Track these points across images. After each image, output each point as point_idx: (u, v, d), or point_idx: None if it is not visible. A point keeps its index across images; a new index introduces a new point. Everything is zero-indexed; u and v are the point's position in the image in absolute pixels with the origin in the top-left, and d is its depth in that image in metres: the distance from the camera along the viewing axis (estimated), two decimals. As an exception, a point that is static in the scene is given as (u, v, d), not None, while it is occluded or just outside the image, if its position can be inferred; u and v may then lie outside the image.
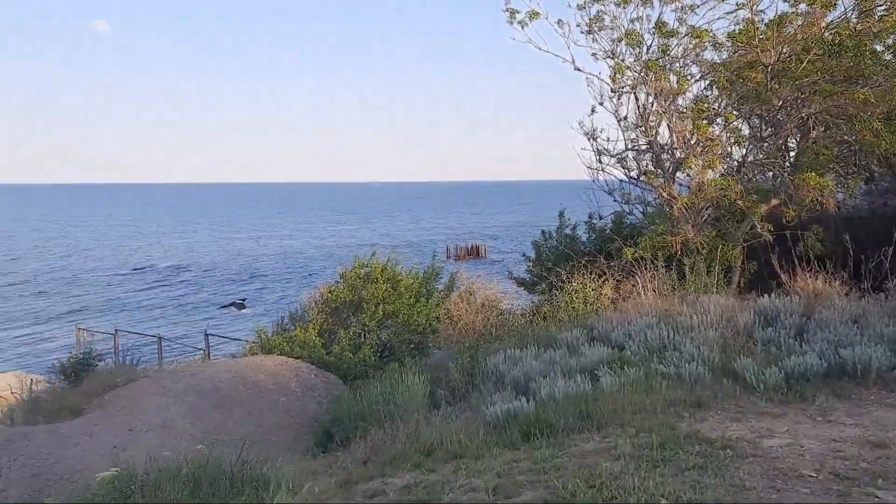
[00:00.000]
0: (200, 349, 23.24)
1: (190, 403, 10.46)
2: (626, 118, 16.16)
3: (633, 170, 16.82)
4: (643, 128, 15.88)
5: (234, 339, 23.90)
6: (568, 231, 18.88)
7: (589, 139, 17.01)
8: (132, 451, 8.58)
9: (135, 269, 60.59)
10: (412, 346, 16.06)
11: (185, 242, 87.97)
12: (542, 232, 19.17)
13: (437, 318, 14.73)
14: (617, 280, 12.39)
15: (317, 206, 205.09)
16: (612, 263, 13.95)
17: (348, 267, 17.95)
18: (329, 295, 17.16)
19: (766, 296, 9.80)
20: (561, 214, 19.00)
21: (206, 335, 23.08)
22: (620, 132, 16.50)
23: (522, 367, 8.75)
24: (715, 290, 11.55)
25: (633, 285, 11.41)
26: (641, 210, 17.14)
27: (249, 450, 10.05)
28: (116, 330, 23.48)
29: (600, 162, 17.08)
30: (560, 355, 8.91)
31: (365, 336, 16.04)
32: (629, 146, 16.66)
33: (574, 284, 11.97)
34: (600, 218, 18.40)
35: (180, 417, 9.96)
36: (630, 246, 14.30)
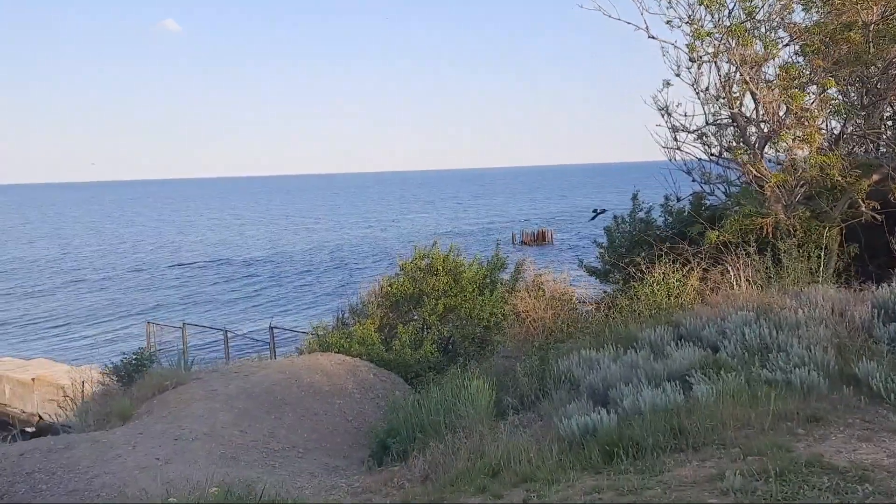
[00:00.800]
0: (267, 342, 22.92)
1: (240, 409, 9.81)
2: (706, 90, 14.75)
3: (713, 146, 15.41)
4: (725, 100, 14.45)
5: (301, 332, 23.50)
6: (642, 215, 17.58)
7: (663, 115, 15.65)
8: (176, 465, 7.96)
9: (210, 261, 61.63)
10: (475, 341, 15.15)
11: (268, 234, 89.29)
12: (614, 217, 17.91)
13: (502, 314, 13.70)
14: (703, 268, 11.12)
15: (396, 193, 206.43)
16: (694, 249, 12.67)
17: (408, 258, 17.15)
18: (388, 288, 16.40)
19: (886, 285, 8.43)
20: (634, 197, 17.69)
21: (271, 328, 22.72)
22: (699, 106, 15.09)
23: (600, 372, 7.70)
24: (820, 278, 10.18)
25: (723, 273, 10.16)
26: (724, 190, 15.73)
27: (301, 459, 9.37)
28: (184, 324, 23.36)
29: (676, 140, 15.71)
30: (643, 357, 7.82)
31: (426, 331, 15.20)
32: (709, 120, 15.24)
33: (655, 274, 10.77)
34: (678, 200, 17.03)
35: (229, 424, 9.31)
36: (714, 229, 12.98)
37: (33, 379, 21.09)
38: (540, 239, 65.69)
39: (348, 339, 14.19)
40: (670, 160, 15.73)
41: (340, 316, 17.64)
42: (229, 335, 23.46)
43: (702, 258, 11.76)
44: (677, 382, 6.93)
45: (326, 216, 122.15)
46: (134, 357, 12.16)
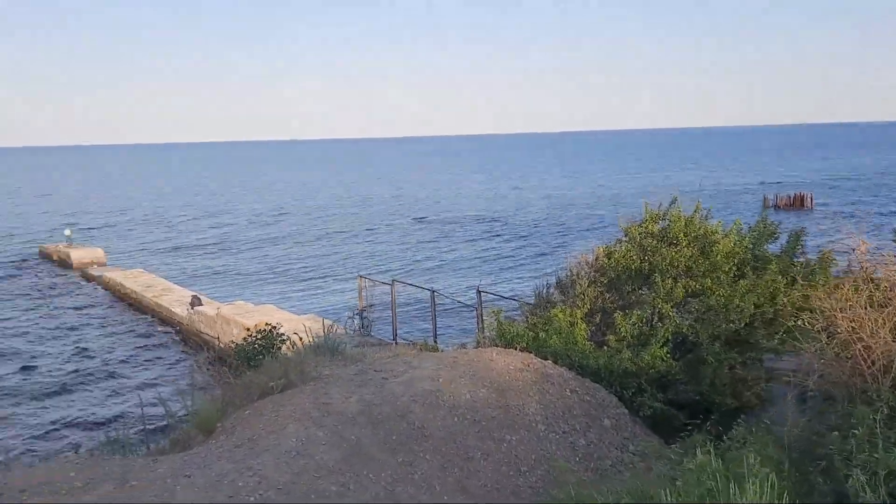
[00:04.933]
0: (473, 306, 19.80)
1: (352, 442, 6.34)
2: None
3: None
4: None
5: (509, 299, 20.04)
6: None
7: None
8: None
9: (416, 219, 60.78)
10: (728, 345, 10.46)
11: (487, 192, 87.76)
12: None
13: (793, 310, 8.68)
14: None
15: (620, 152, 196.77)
16: None
17: (635, 220, 12.73)
18: (605, 260, 12.16)
19: None
20: None
21: (479, 292, 19.43)
22: None
23: None
24: None
25: None
26: None
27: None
28: (393, 280, 21.07)
29: None
30: None
31: (655, 324, 10.81)
32: None
33: None
34: None
35: (327, 471, 5.86)
36: None
37: (256, 325, 21.05)
38: (797, 203, 56.09)
39: (544, 328, 10.25)
40: None
41: (543, 291, 13.72)
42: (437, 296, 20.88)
43: None
44: None
45: (541, 174, 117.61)
46: (260, 338, 9.25)
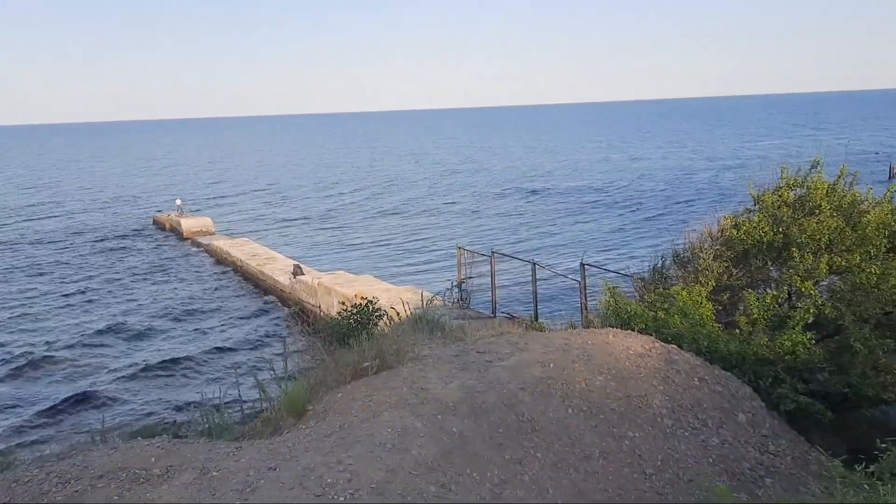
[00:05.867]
0: (576, 280, 18.79)
1: (453, 435, 5.64)
2: None
3: None
4: None
5: (616, 273, 18.89)
6: None
7: None
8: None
9: (520, 190, 59.53)
10: (881, 331, 9.07)
11: (584, 161, 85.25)
12: None
13: None
14: None
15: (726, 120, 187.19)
16: None
17: (768, 187, 11.37)
18: (733, 231, 10.90)
19: None
20: None
21: (583, 266, 18.37)
22: None
23: None
24: None
25: None
26: None
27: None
28: (493, 252, 20.39)
29: None
30: None
31: (793, 304, 9.54)
32: None
33: None
34: None
35: (425, 468, 5.19)
36: None
37: (356, 295, 21.16)
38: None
39: (664, 308, 9.22)
40: None
41: (659, 266, 12.57)
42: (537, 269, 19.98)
43: None
44: None
45: (643, 142, 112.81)
46: (355, 313, 8.68)
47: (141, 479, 5.02)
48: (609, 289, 9.87)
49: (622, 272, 17.82)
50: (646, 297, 10.52)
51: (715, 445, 6.42)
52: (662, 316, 8.94)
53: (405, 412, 5.87)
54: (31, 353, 20.00)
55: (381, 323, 9.08)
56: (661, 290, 10.28)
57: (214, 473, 5.03)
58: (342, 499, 4.69)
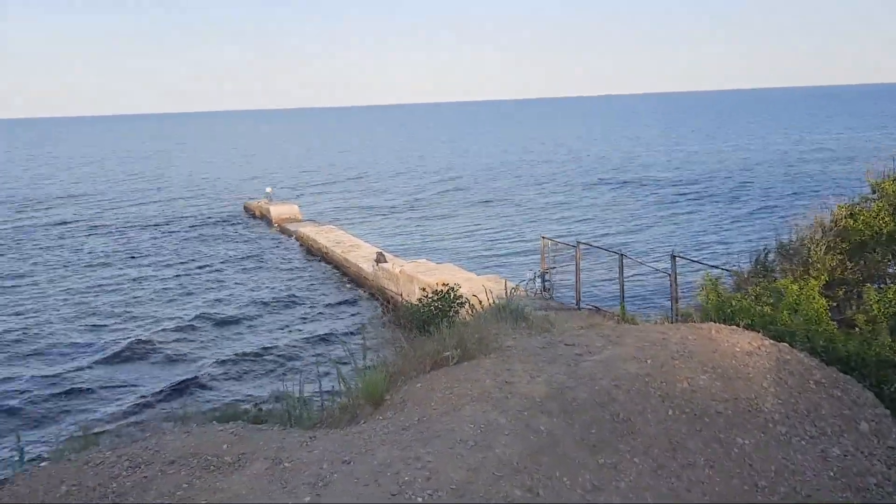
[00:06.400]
0: (666, 272, 17.90)
1: (541, 434, 5.18)
2: None
3: None
4: None
5: (710, 266, 17.88)
6: None
7: None
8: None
9: (604, 181, 57.87)
10: None
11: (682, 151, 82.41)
12: None
13: None
14: None
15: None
16: None
17: (887, 174, 10.35)
18: (848, 221, 9.96)
19: None
20: None
21: (673, 257, 17.46)
22: None
23: None
24: None
25: None
26: None
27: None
28: (578, 242, 19.75)
29: None
30: None
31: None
32: None
33: None
34: None
35: (510, 469, 4.75)
36: None
37: (437, 283, 21.22)
38: None
39: (770, 303, 8.44)
40: None
41: (760, 257, 11.69)
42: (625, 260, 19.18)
43: None
44: None
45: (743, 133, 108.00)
46: (436, 299, 8.32)
47: (212, 467, 4.79)
48: (710, 280, 9.14)
49: (718, 266, 16.83)
50: (749, 290, 9.72)
51: (836, 457, 5.72)
52: (770, 311, 8.18)
53: (488, 407, 5.44)
54: (127, 338, 20.70)
55: (462, 311, 8.69)
56: (767, 283, 9.47)
57: (287, 464, 4.75)
58: (420, 499, 4.32)
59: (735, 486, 5.12)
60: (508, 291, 12.98)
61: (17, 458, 7.19)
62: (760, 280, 10.07)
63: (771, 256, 11.57)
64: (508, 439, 5.03)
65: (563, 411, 5.43)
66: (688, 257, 20.22)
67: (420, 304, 8.51)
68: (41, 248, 35.73)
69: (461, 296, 8.76)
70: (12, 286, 27.66)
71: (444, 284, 9.02)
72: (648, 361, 6.28)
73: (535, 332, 7.96)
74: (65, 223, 43.88)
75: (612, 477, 4.93)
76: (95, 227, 42.30)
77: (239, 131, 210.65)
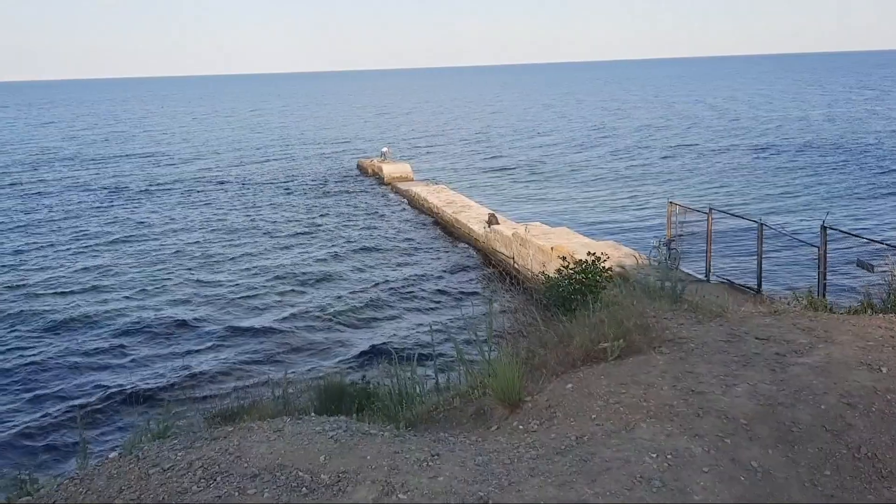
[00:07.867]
0: (814, 245, 15.61)
1: (752, 472, 3.68)
2: None
3: None
4: None
5: (871, 241, 15.43)
6: None
7: None
8: None
9: (743, 143, 53.68)
10: None
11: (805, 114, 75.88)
12: None
13: None
14: None
15: None
16: None
17: None
18: None
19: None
20: None
21: (824, 229, 15.10)
22: None
23: None
24: None
25: None
26: None
27: None
28: (710, 208, 17.64)
29: None
30: None
31: None
32: None
33: None
34: None
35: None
36: None
37: (552, 248, 19.95)
38: None
39: None
40: None
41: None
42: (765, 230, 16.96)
43: None
44: None
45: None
46: (578, 271, 6.85)
47: (304, 488, 3.61)
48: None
49: (880, 240, 14.40)
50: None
51: None
52: None
53: (672, 427, 3.98)
54: (243, 290, 20.53)
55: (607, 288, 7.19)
56: None
57: (402, 496, 3.49)
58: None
59: None
60: (639, 260, 11.29)
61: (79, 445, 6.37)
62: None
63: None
64: (709, 480, 3.57)
65: (779, 440, 3.89)
66: (842, 229, 17.65)
67: (559, 277, 7.07)
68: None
69: (609, 268, 7.25)
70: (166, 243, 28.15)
71: (589, 254, 7.46)
72: (884, 370, 4.61)
73: (703, 317, 6.36)
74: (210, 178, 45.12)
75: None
76: (223, 183, 43.24)
77: (351, 90, 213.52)
